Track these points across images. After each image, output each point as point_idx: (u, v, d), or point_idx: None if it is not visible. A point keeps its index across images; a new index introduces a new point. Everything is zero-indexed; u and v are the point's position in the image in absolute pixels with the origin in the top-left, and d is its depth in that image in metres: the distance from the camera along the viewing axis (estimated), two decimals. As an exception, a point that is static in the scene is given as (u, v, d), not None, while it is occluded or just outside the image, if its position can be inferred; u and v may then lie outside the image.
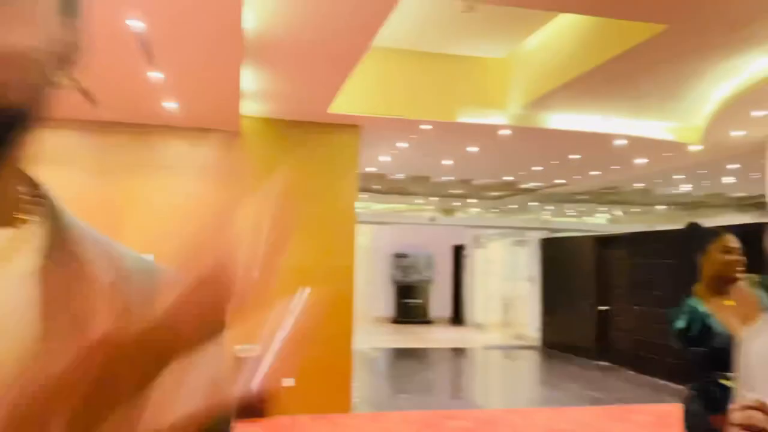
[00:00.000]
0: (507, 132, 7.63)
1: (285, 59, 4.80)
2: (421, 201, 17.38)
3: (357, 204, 6.87)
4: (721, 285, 2.43)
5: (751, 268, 6.67)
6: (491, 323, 14.72)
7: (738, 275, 2.43)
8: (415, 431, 5.59)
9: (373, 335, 12.57)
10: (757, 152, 7.47)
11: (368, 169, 11.65)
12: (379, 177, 13.57)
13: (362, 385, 7.82)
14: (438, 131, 7.67)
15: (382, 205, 18.19)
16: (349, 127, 6.67)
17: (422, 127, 7.54)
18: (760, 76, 5.50)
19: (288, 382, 4.88)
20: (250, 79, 5.11)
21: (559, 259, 11.76)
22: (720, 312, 2.37)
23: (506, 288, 14.79)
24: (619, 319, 9.53)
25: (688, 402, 2.45)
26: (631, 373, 8.22)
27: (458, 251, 17.28)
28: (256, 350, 0.34)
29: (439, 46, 6.72)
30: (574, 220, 18.56)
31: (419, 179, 13.74)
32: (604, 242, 10.38)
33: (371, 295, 15.54)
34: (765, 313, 2.29)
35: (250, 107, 6.02)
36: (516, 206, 15.06)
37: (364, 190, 16.51)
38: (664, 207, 15.98)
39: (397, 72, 6.71)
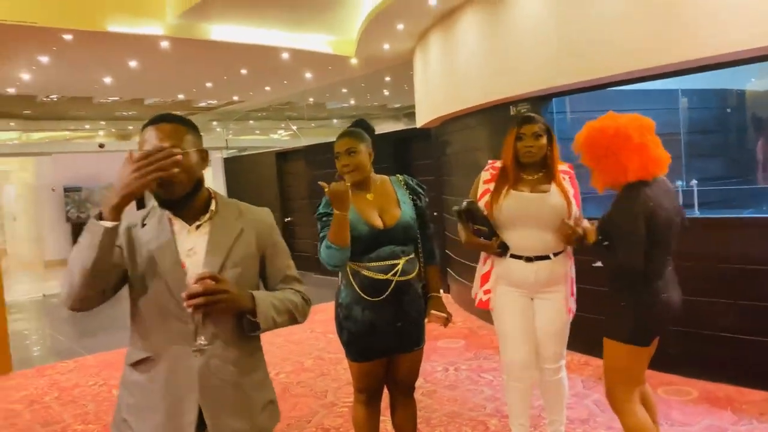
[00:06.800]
0: (166, 44, 7.06)
1: None
2: (89, 126, 15.42)
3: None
4: (360, 181, 2.57)
5: (401, 167, 7.45)
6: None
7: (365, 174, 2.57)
8: (94, 374, 5.17)
9: (45, 281, 11.13)
10: (407, 65, 8.23)
11: (8, 90, 9.84)
12: (26, 99, 11.57)
13: (43, 338, 7.06)
14: (84, 42, 6.71)
15: (41, 134, 15.68)
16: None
17: (64, 37, 6.52)
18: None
19: None
20: None
21: (243, 176, 11.79)
22: (359, 204, 2.48)
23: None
24: (300, 228, 10.08)
25: (338, 291, 2.65)
26: (317, 276, 8.78)
27: (141, 179, 16.05)
28: None
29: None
30: (259, 137, 18.67)
31: (79, 100, 12.13)
32: (284, 156, 10.66)
33: (40, 238, 13.66)
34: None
35: None
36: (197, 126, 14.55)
37: (8, 116, 13.97)
38: (336, 120, 17.08)
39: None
